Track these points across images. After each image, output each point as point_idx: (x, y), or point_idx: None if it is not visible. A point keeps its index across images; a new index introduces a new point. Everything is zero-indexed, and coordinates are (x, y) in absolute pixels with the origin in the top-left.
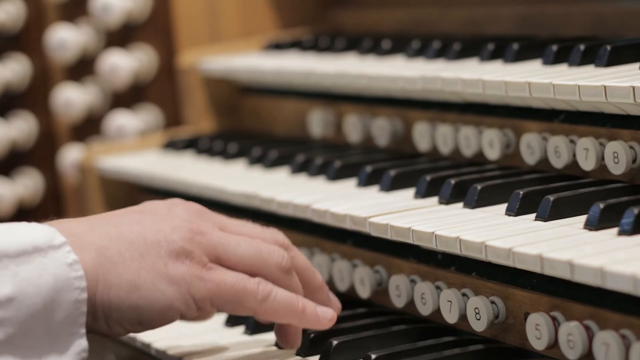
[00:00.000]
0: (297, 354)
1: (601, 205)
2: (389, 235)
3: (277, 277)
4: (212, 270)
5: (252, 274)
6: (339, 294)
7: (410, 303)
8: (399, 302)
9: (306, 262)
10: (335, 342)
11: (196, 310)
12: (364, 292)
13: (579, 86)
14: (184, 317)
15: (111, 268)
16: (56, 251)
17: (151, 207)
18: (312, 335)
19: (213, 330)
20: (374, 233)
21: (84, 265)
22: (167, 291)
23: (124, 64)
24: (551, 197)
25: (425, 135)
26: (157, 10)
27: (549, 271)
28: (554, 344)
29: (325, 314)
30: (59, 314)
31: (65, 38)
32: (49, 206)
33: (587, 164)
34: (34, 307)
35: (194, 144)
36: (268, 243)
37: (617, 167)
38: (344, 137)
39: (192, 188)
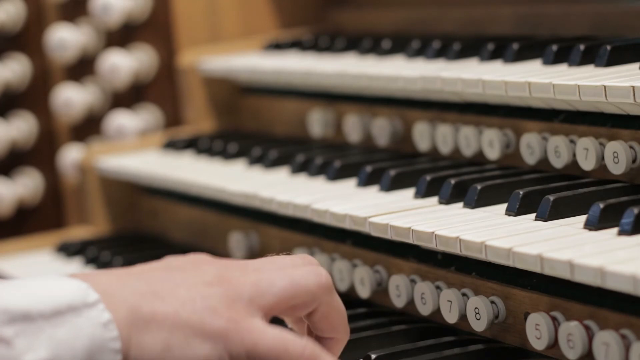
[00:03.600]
0: None
1: (601, 205)
2: (389, 235)
3: (321, 299)
4: (252, 325)
5: (296, 307)
6: (339, 294)
7: (410, 303)
8: (399, 302)
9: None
10: None
11: None
12: (364, 292)
13: (579, 86)
14: None
15: (144, 327)
16: (90, 310)
17: (177, 263)
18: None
19: None
20: (374, 233)
21: (118, 325)
22: (200, 349)
23: (124, 64)
24: (551, 197)
25: (425, 135)
26: (157, 10)
27: (549, 271)
28: (554, 344)
29: None
30: None
31: (65, 38)
32: (49, 206)
33: (587, 164)
34: None
35: (194, 144)
36: (301, 266)
37: (617, 167)
38: (344, 137)
39: (192, 188)
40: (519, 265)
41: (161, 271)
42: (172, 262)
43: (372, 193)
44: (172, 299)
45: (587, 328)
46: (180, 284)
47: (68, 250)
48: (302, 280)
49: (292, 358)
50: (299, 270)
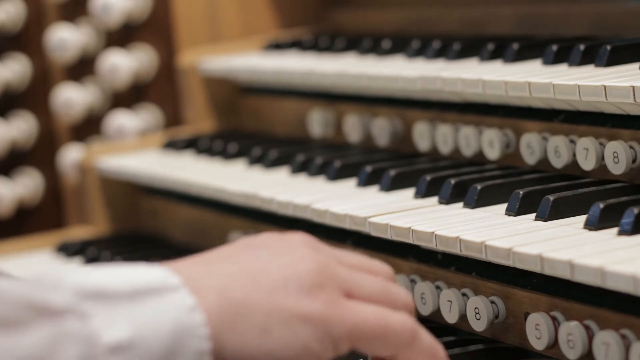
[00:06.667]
0: None
1: (601, 205)
2: (389, 235)
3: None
4: (349, 304)
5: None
6: None
7: None
8: None
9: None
10: None
11: (332, 351)
12: None
13: (579, 86)
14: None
15: (237, 311)
16: (173, 293)
17: (263, 241)
18: None
19: None
20: (374, 233)
21: (207, 311)
22: (302, 331)
23: (124, 64)
24: (551, 197)
25: (425, 135)
26: (157, 10)
27: (549, 271)
28: (554, 344)
29: None
30: None
31: (65, 38)
32: (49, 206)
33: (587, 164)
34: (155, 356)
35: (194, 144)
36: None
37: (617, 167)
38: (344, 137)
39: (192, 188)
40: (519, 265)
41: (248, 250)
42: (254, 241)
43: (372, 193)
44: (265, 281)
45: (587, 328)
46: (271, 262)
47: (68, 250)
48: (394, 294)
49: (394, 332)
50: (391, 284)
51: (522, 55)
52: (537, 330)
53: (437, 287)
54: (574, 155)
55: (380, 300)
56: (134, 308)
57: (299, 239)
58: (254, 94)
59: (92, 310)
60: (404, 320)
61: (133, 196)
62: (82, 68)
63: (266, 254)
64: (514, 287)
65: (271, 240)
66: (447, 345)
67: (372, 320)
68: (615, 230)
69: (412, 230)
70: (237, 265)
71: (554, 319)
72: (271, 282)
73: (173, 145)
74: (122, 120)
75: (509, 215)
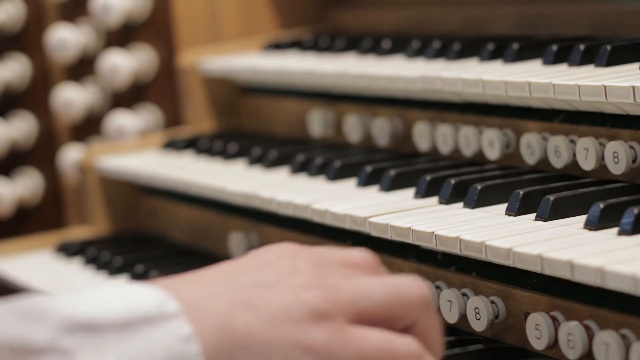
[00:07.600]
0: None
1: (601, 205)
2: (389, 235)
3: (421, 314)
4: (353, 332)
5: (395, 317)
6: None
7: None
8: None
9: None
10: None
11: None
12: None
13: (579, 86)
14: None
15: (238, 342)
16: (169, 322)
17: (268, 259)
18: None
19: None
20: (374, 233)
21: (205, 340)
22: None
23: (124, 64)
24: (551, 197)
25: (425, 135)
26: (157, 10)
27: (549, 271)
28: (554, 344)
29: None
30: None
31: (65, 38)
32: (49, 206)
33: (587, 164)
34: None
35: (194, 144)
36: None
37: (617, 167)
38: (344, 137)
39: (192, 188)
40: (519, 265)
41: (251, 272)
42: (260, 258)
43: (372, 193)
44: (267, 308)
45: (587, 328)
46: (275, 287)
47: (68, 250)
48: (404, 290)
49: (400, 357)
50: (401, 280)
51: (522, 55)
52: (537, 330)
53: (437, 287)
54: (574, 155)
55: (392, 301)
56: (124, 341)
57: (306, 258)
58: (254, 94)
59: (75, 347)
60: (409, 345)
61: (133, 196)
62: (82, 68)
63: (272, 277)
64: (514, 287)
65: (279, 260)
66: (447, 345)
67: (376, 346)
68: (615, 230)
69: (412, 230)
70: (241, 289)
71: (554, 319)
72: (274, 311)
73: (173, 145)
74: (122, 120)
75: (509, 215)
